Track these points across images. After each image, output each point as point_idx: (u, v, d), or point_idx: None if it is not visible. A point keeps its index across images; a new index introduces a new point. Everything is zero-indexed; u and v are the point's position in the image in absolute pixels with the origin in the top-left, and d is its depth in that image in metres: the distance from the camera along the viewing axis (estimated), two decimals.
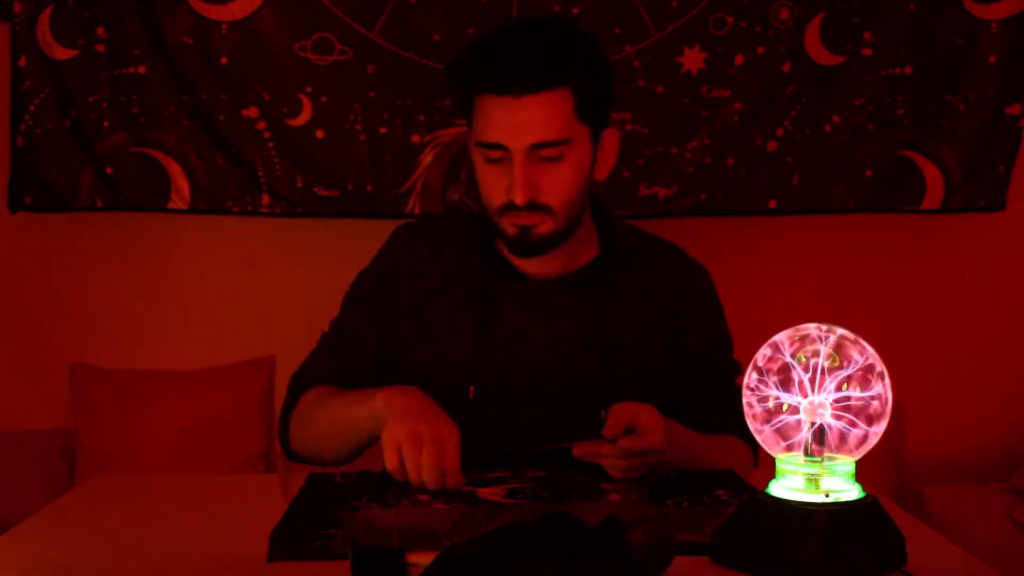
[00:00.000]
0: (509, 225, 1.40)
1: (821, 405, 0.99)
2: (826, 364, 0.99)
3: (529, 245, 1.41)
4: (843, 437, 1.00)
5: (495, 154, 1.37)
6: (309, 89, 2.35)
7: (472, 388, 1.44)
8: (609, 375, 1.46)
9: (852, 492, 1.00)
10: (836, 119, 2.40)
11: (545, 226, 1.39)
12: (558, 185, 1.37)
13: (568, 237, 1.44)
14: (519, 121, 1.34)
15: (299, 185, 2.39)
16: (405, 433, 1.25)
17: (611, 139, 1.45)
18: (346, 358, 1.52)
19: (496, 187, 1.39)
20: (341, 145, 2.37)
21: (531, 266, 1.47)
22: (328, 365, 1.54)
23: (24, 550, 1.13)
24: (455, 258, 1.50)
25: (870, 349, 1.00)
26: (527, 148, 1.35)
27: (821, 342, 1.00)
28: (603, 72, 1.42)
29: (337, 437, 1.44)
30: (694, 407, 1.49)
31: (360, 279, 1.59)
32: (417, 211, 2.39)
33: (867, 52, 2.37)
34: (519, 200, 1.36)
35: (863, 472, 1.02)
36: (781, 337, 1.02)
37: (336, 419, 1.43)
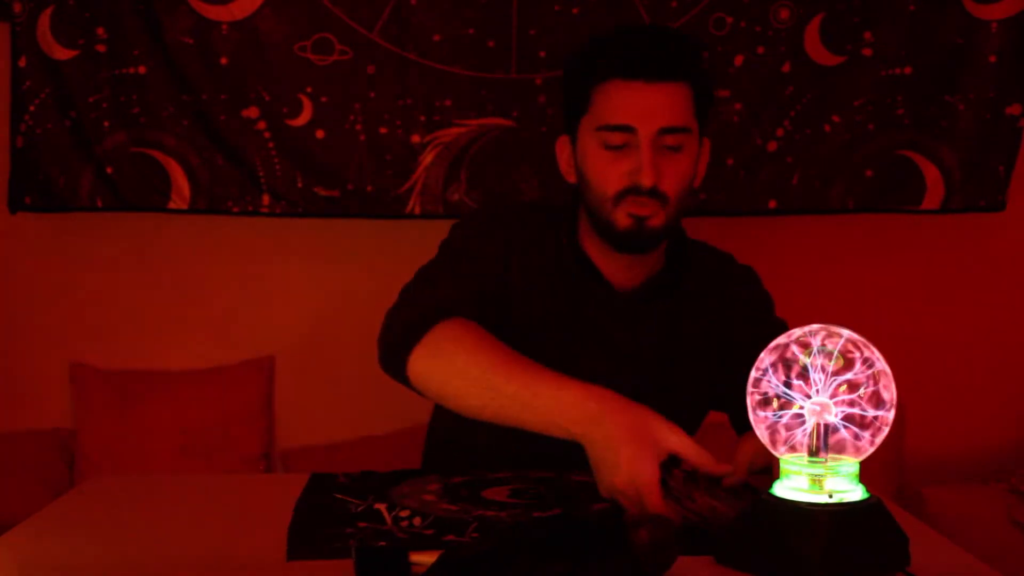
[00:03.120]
0: (624, 215, 1.39)
1: (825, 406, 0.99)
2: (829, 365, 0.99)
3: (641, 237, 1.40)
4: (846, 437, 1.00)
5: (619, 139, 1.37)
6: (309, 89, 2.35)
7: None
8: (670, 382, 1.49)
9: (856, 493, 1.00)
10: (836, 119, 2.40)
11: (658, 218, 1.39)
12: (676, 175, 1.38)
13: (661, 242, 1.45)
14: (649, 104, 1.36)
15: (299, 185, 2.39)
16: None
17: (706, 147, 1.47)
18: (470, 286, 1.42)
19: (615, 173, 1.38)
20: (341, 145, 2.37)
21: (615, 273, 1.47)
22: (458, 294, 1.40)
23: (24, 550, 1.13)
24: (554, 251, 1.49)
25: (874, 351, 1.00)
26: (656, 132, 1.35)
27: (823, 343, 1.00)
28: (710, 79, 1.45)
29: (496, 404, 1.27)
30: None
31: (473, 228, 1.51)
32: (417, 211, 2.39)
33: (867, 52, 2.37)
34: (647, 181, 1.35)
35: (863, 473, 1.02)
36: (782, 339, 1.02)
37: (504, 388, 1.26)
